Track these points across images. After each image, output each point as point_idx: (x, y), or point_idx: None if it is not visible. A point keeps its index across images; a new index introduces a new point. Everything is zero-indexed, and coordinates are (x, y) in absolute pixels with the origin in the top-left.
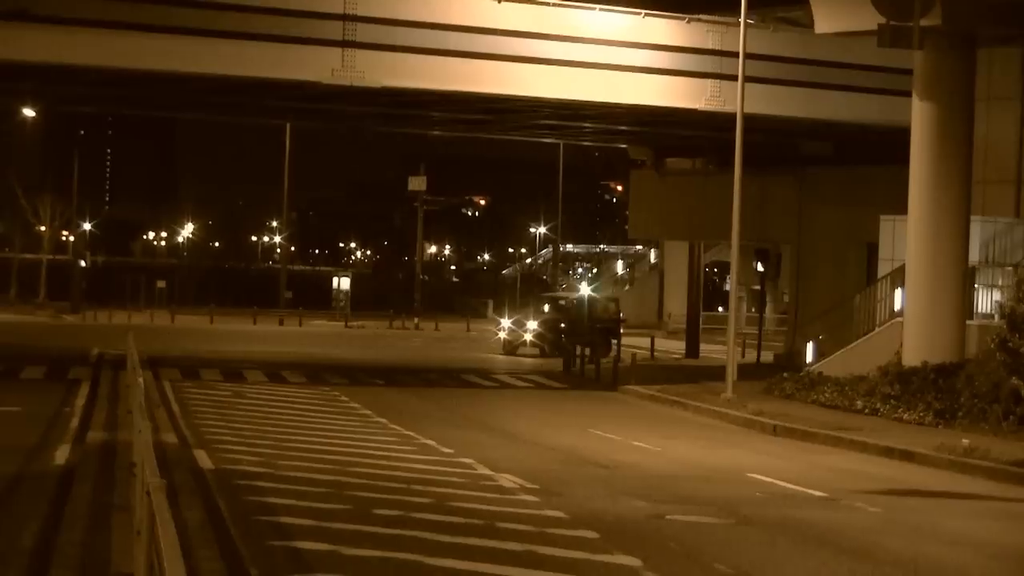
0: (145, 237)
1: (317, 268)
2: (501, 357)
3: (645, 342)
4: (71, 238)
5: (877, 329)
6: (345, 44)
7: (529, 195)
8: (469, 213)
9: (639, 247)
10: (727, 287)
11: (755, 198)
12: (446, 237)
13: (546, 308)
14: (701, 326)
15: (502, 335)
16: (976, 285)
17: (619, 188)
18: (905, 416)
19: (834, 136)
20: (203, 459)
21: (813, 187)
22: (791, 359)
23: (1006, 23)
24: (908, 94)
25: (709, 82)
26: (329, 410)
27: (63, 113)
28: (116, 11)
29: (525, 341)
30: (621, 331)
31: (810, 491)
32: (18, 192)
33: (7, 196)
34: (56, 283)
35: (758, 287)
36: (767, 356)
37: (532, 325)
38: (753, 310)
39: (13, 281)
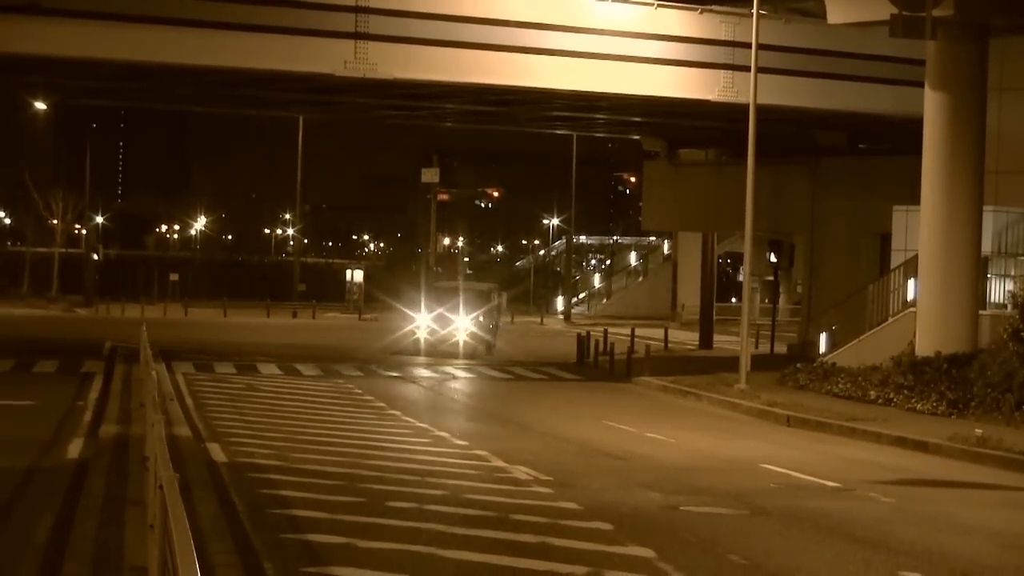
0: (158, 230)
1: (330, 261)
2: (421, 359)
3: (658, 333)
4: (83, 231)
5: (890, 319)
6: (358, 36)
7: (542, 187)
8: (482, 205)
9: (652, 238)
10: (741, 278)
11: (768, 189)
12: (459, 229)
13: (463, 299)
14: (715, 317)
15: (422, 335)
16: (989, 275)
17: (632, 179)
18: (918, 406)
19: (847, 127)
20: (216, 452)
21: (826, 177)
22: (804, 350)
23: (1019, 12)
24: (921, 84)
25: (722, 73)
26: (343, 402)
27: (75, 107)
28: (126, 4)
29: (458, 341)
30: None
31: (824, 481)
32: (30, 186)
33: (20, 190)
34: (69, 277)
35: (771, 278)
36: (780, 347)
37: (466, 321)
38: (767, 301)
39: (26, 275)
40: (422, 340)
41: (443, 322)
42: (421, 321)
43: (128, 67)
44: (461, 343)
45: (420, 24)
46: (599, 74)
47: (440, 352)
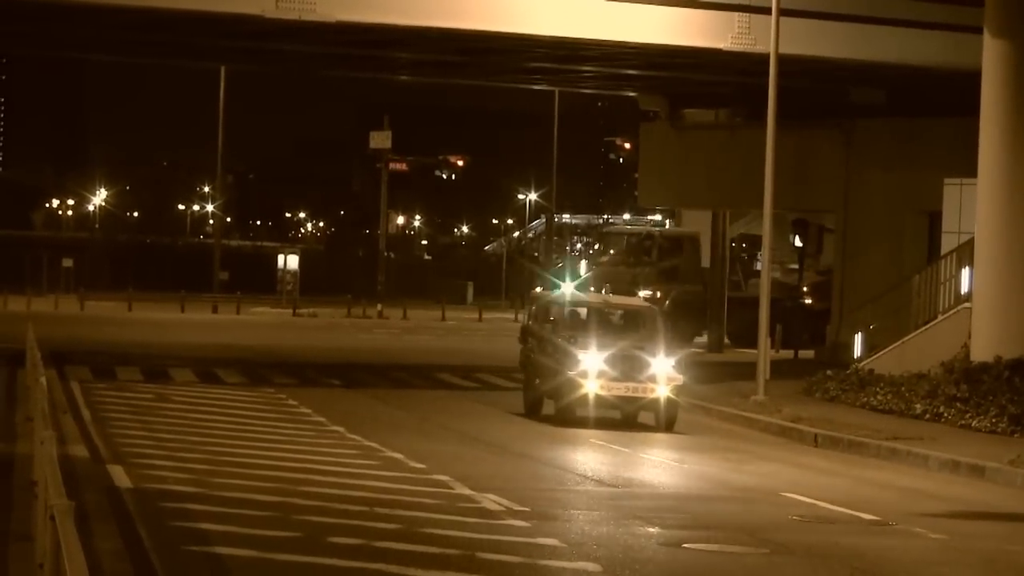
0: (47, 206)
1: (259, 244)
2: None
3: None
4: None
5: (940, 317)
6: None
7: (517, 155)
8: (444, 176)
9: (651, 217)
10: (758, 266)
11: (792, 158)
12: (416, 206)
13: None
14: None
15: (592, 388)
16: None
17: (627, 146)
18: (974, 423)
19: (888, 82)
20: (120, 476)
21: (863, 144)
22: (835, 353)
23: None
24: (979, 30)
25: (736, 16)
26: (274, 416)
27: None
28: None
29: (658, 398)
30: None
31: (859, 514)
32: None
33: None
34: None
35: (795, 266)
36: (807, 351)
37: (666, 366)
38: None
39: None
40: (591, 395)
41: (628, 366)
42: (590, 364)
43: (12, 5)
44: (663, 403)
45: None
46: (587, 16)
47: (625, 419)
